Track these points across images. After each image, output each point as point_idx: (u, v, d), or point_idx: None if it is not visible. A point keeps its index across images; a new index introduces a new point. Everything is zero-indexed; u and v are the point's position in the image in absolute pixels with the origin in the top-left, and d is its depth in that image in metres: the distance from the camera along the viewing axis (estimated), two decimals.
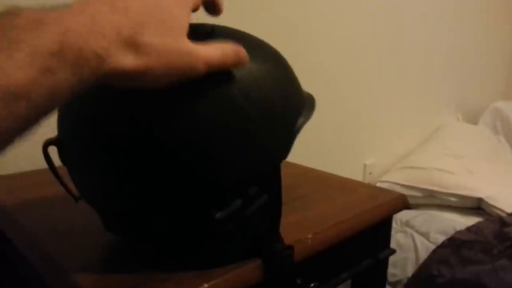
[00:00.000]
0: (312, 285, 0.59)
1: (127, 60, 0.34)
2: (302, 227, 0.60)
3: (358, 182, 0.81)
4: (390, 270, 1.34)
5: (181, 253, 0.49)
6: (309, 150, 1.41)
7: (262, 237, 0.50)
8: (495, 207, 1.47)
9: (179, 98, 0.42)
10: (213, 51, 0.41)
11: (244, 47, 0.46)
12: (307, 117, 0.50)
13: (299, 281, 0.59)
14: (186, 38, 0.38)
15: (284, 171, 0.84)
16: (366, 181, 1.69)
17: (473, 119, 2.24)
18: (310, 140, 1.41)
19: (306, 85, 1.35)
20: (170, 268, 0.48)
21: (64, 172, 0.49)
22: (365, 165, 1.68)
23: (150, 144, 0.42)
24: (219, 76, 0.43)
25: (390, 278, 1.34)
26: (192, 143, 0.42)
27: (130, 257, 0.51)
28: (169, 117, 0.42)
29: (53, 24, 0.30)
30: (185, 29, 0.38)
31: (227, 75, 0.44)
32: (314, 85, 1.41)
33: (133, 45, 0.34)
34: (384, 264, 0.78)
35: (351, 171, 1.64)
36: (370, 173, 1.70)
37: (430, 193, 1.57)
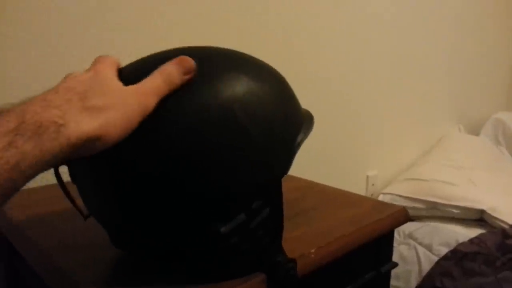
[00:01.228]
0: None
1: (85, 124, 0.38)
2: (306, 241, 0.61)
3: (360, 196, 0.82)
4: (394, 282, 1.34)
5: (187, 267, 0.50)
6: (311, 162, 1.42)
7: (265, 249, 0.51)
8: (497, 218, 1.47)
9: (182, 119, 0.44)
10: (154, 79, 0.43)
11: (244, 68, 0.48)
12: (306, 133, 0.52)
13: None
14: (124, 86, 0.42)
15: (288, 185, 0.86)
16: (369, 192, 1.69)
17: (474, 130, 2.24)
18: (313, 152, 1.42)
19: (308, 98, 1.37)
20: (177, 282, 0.49)
21: (73, 188, 0.50)
22: (367, 177, 1.69)
23: (152, 162, 0.43)
24: (221, 95, 0.44)
25: None
26: (197, 161, 0.43)
27: (136, 271, 0.52)
28: (173, 135, 0.43)
29: (13, 111, 0.36)
30: (117, 82, 0.43)
31: (229, 94, 0.45)
32: (316, 98, 1.44)
33: (85, 109, 0.39)
34: (387, 277, 0.79)
35: (354, 183, 1.64)
36: (373, 185, 1.71)
37: (433, 205, 1.57)
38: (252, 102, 0.46)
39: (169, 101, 0.44)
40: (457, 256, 1.29)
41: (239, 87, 0.46)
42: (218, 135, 0.44)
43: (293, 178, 0.89)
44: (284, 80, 0.54)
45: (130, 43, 0.96)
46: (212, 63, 0.48)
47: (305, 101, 1.35)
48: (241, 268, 0.50)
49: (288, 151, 0.50)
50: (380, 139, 1.71)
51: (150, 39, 0.99)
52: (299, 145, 0.51)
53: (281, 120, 0.49)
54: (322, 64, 1.41)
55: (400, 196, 1.60)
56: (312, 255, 0.58)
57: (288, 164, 0.50)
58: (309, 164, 1.41)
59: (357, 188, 1.65)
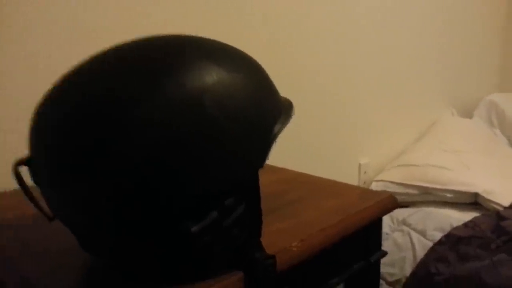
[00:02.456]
0: None
1: None
2: (288, 234, 0.59)
3: (347, 185, 0.79)
4: (388, 269, 1.33)
5: (160, 269, 0.47)
6: (302, 152, 1.40)
7: (242, 247, 0.48)
8: (491, 201, 1.46)
9: (146, 111, 0.41)
10: None
11: (216, 56, 0.45)
12: (284, 124, 0.49)
13: None
14: None
15: (273, 176, 0.84)
16: (362, 180, 1.68)
17: (467, 113, 2.23)
18: (303, 142, 1.40)
19: (298, 86, 1.34)
20: (149, 286, 0.47)
21: (35, 191, 0.48)
22: (360, 165, 1.67)
23: (116, 158, 0.41)
24: (189, 85, 0.42)
25: (388, 278, 1.33)
26: (162, 155, 0.41)
27: (108, 276, 0.50)
28: (137, 129, 0.41)
29: None
30: None
31: (198, 84, 0.43)
32: (306, 85, 1.41)
33: None
34: (377, 266, 0.77)
35: (346, 171, 1.62)
36: (365, 173, 1.69)
37: (426, 190, 1.55)
38: (223, 92, 0.44)
39: (130, 94, 0.41)
40: (452, 240, 1.27)
41: (208, 76, 0.44)
42: (185, 128, 0.42)
43: (279, 169, 0.86)
44: (260, 69, 0.51)
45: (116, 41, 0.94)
46: (181, 52, 0.45)
47: (295, 89, 1.34)
48: (217, 267, 0.48)
49: (263, 143, 0.47)
50: (371, 126, 1.69)
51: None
52: (275, 136, 0.48)
53: (255, 111, 0.46)
54: (311, 51, 1.38)
55: (392, 182, 1.58)
56: (294, 249, 0.56)
57: (264, 156, 0.48)
58: (299, 154, 1.39)
59: (349, 176, 1.63)
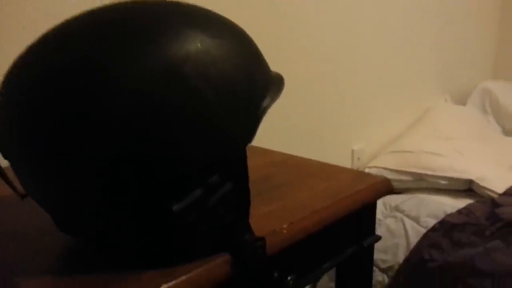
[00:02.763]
0: (289, 278, 0.55)
1: None
2: (278, 217, 0.56)
3: (339, 167, 0.77)
4: (381, 256, 1.31)
5: (140, 250, 0.45)
6: (293, 137, 1.37)
7: (229, 228, 0.46)
8: (486, 188, 1.44)
9: (123, 81, 0.38)
10: None
11: (199, 23, 0.42)
12: (274, 98, 0.46)
13: (276, 275, 0.55)
14: None
15: (262, 159, 0.81)
16: (355, 167, 1.65)
17: (461, 100, 2.21)
18: (294, 126, 1.37)
19: (291, 70, 1.31)
20: (129, 268, 0.44)
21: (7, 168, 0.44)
22: (353, 151, 1.64)
23: (89, 130, 0.38)
24: (169, 53, 0.39)
25: (381, 264, 1.31)
26: (139, 127, 0.38)
27: (85, 257, 0.47)
28: (112, 99, 0.37)
29: None
30: None
31: (179, 52, 0.39)
32: (299, 69, 1.38)
33: None
34: (370, 251, 0.75)
35: (339, 157, 1.60)
36: (359, 159, 1.67)
37: (420, 177, 1.53)
38: (206, 61, 0.41)
39: (105, 61, 0.38)
40: (445, 227, 1.25)
41: (191, 44, 0.40)
42: (165, 98, 0.39)
43: (267, 152, 0.83)
44: (248, 39, 0.48)
45: None
46: (161, 17, 0.42)
47: (288, 70, 1.30)
48: (202, 250, 0.46)
49: (251, 117, 0.44)
50: (365, 111, 1.67)
51: None
52: (265, 110, 0.45)
53: (242, 83, 0.43)
54: (306, 36, 1.35)
55: (386, 169, 1.56)
56: (284, 231, 0.54)
57: (252, 132, 0.45)
58: (290, 139, 1.36)
59: (342, 162, 1.61)
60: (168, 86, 0.38)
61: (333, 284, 1.15)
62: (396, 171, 1.55)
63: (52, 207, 0.45)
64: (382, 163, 1.60)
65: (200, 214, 0.42)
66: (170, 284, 0.41)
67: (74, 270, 0.46)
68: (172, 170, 0.40)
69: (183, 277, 0.43)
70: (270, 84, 0.47)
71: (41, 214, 0.47)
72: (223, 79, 0.41)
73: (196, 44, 0.40)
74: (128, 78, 0.38)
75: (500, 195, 1.38)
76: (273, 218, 0.56)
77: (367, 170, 1.61)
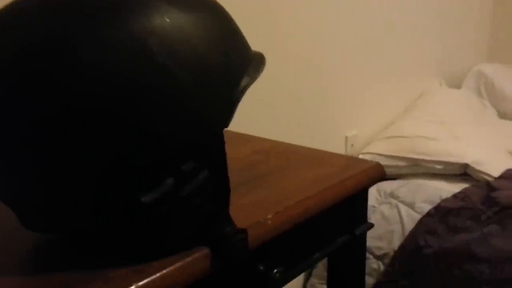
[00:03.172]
0: (275, 270, 0.52)
1: None
2: (263, 207, 0.53)
3: (330, 153, 0.73)
4: (376, 243, 1.28)
5: (111, 246, 0.41)
6: (284, 124, 1.34)
7: (207, 220, 0.42)
8: (481, 172, 1.42)
9: (83, 57, 0.34)
10: None
11: None
12: (253, 77, 0.43)
13: (262, 268, 0.52)
14: None
15: (249, 146, 0.78)
16: (348, 154, 1.62)
17: (456, 83, 2.17)
18: (285, 113, 1.34)
19: (281, 52, 1.27)
20: (100, 266, 0.40)
21: None
22: (346, 137, 1.61)
23: (52, 115, 0.34)
24: (131, 27, 0.35)
25: (376, 252, 1.28)
26: (100, 109, 0.34)
27: (52, 255, 0.44)
28: (70, 78, 0.34)
29: None
30: None
31: (142, 26, 0.36)
32: (290, 52, 1.34)
33: None
34: (362, 239, 0.72)
35: (332, 144, 1.57)
36: (352, 145, 1.63)
37: (415, 162, 1.51)
38: (174, 35, 0.37)
39: (62, 35, 0.34)
40: (441, 212, 1.23)
41: (156, 16, 0.37)
42: (128, 77, 0.35)
43: (254, 138, 0.80)
44: (224, 13, 0.44)
45: None
46: None
47: (279, 56, 1.27)
48: (178, 244, 0.42)
49: (228, 98, 0.41)
50: (358, 97, 1.63)
51: None
52: (243, 91, 0.42)
53: (217, 60, 0.40)
54: (297, 18, 1.32)
55: (380, 155, 1.53)
56: (269, 222, 0.50)
57: (229, 114, 0.41)
58: (281, 126, 1.32)
59: (336, 149, 1.57)
60: (132, 63, 0.35)
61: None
62: (391, 157, 1.52)
63: (17, 203, 0.41)
64: (376, 149, 1.58)
65: (174, 205, 0.39)
66: (142, 282, 0.38)
67: (41, 268, 0.42)
68: (140, 158, 0.36)
69: (157, 274, 0.39)
70: (249, 63, 0.43)
71: (5, 210, 0.43)
72: (194, 56, 0.38)
73: (163, 16, 0.37)
74: (89, 55, 0.34)
75: (496, 178, 1.36)
76: (257, 208, 0.53)
77: (361, 157, 1.58)
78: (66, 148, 0.36)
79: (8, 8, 0.38)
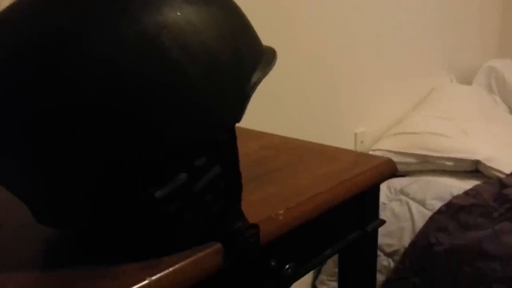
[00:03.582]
0: (287, 266, 0.52)
1: None
2: (274, 202, 0.53)
3: (341, 149, 0.73)
4: (386, 240, 1.28)
5: (122, 241, 0.41)
6: (294, 120, 1.33)
7: (219, 216, 0.42)
8: (493, 168, 1.40)
9: (92, 51, 0.34)
10: None
11: None
12: (265, 72, 0.42)
13: (273, 263, 0.52)
14: None
15: (259, 142, 0.77)
16: (358, 150, 1.61)
17: (466, 79, 2.15)
18: (295, 109, 1.33)
19: (292, 49, 1.27)
20: (111, 261, 0.40)
21: None
22: (356, 134, 1.60)
23: (63, 112, 0.34)
24: (143, 21, 0.35)
25: (386, 249, 1.28)
26: (113, 104, 0.34)
27: (65, 251, 0.44)
28: (80, 72, 0.34)
29: None
30: None
31: (154, 19, 0.35)
32: (300, 49, 1.33)
33: None
34: (374, 236, 0.71)
35: (341, 141, 1.56)
36: (362, 142, 1.63)
37: (425, 159, 1.49)
38: (187, 30, 0.37)
39: (72, 29, 0.34)
40: (452, 209, 1.22)
41: (169, 10, 0.36)
42: (142, 73, 0.35)
43: (265, 135, 0.80)
44: (236, 7, 0.44)
45: None
46: None
47: (289, 52, 1.26)
48: (190, 239, 0.42)
49: (239, 94, 0.41)
50: (368, 93, 1.63)
51: None
52: (254, 86, 0.42)
53: (229, 55, 0.40)
54: (308, 16, 1.31)
55: (390, 151, 1.52)
56: (281, 217, 0.50)
57: (241, 110, 0.41)
58: (291, 122, 1.32)
59: (345, 146, 1.55)
60: (144, 58, 0.35)
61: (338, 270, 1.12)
62: (401, 154, 1.51)
63: (30, 198, 0.41)
64: (386, 145, 1.57)
65: (186, 200, 0.39)
66: (155, 277, 0.38)
67: (54, 264, 0.42)
68: (153, 153, 0.36)
69: (169, 269, 0.39)
70: (260, 58, 0.43)
71: (20, 205, 0.44)
72: (206, 51, 0.37)
73: (175, 11, 0.36)
74: (99, 49, 0.34)
75: (507, 175, 1.34)
76: (269, 203, 0.52)
77: (370, 153, 1.57)
78: (77, 143, 0.35)
79: (18, 1, 0.38)
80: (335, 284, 1.31)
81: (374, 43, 1.61)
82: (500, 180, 1.30)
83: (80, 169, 0.36)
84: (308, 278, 1.43)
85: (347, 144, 1.59)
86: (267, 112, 1.22)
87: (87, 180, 0.37)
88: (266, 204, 0.52)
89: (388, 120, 1.74)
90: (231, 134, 0.41)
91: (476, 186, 1.29)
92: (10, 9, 0.38)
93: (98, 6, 0.35)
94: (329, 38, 1.41)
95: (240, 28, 0.42)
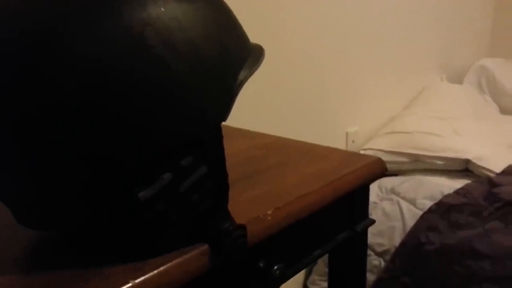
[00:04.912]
0: (275, 267, 0.51)
1: None
2: (262, 202, 0.52)
3: (330, 148, 0.72)
4: (377, 239, 1.28)
5: (109, 243, 0.40)
6: (285, 120, 1.33)
7: (206, 217, 0.41)
8: (483, 167, 1.41)
9: (74, 48, 0.33)
10: None
11: None
12: (252, 70, 0.42)
13: (261, 264, 0.51)
14: None
15: (248, 141, 0.77)
16: (349, 149, 1.61)
17: (457, 78, 2.16)
18: (286, 108, 1.33)
19: (281, 47, 1.26)
20: (96, 263, 0.40)
21: None
22: (347, 133, 1.60)
23: (46, 111, 0.33)
24: (127, 17, 0.34)
25: (377, 248, 1.28)
26: (96, 101, 0.33)
27: (48, 253, 0.43)
28: (63, 70, 0.33)
29: None
30: None
31: (138, 15, 0.35)
32: (290, 47, 1.33)
33: None
34: (364, 236, 0.71)
35: (332, 140, 1.56)
36: (353, 141, 1.62)
37: (416, 158, 1.50)
38: (171, 26, 0.36)
39: (57, 29, 0.33)
40: (443, 208, 1.22)
41: (151, 8, 0.36)
42: (125, 70, 0.34)
43: (255, 134, 0.79)
44: (223, 3, 0.43)
45: None
46: None
47: (279, 51, 1.26)
48: (176, 240, 0.41)
49: (226, 92, 0.40)
50: (359, 92, 1.62)
51: None
52: (241, 84, 0.41)
53: (215, 52, 0.39)
54: (298, 15, 1.30)
55: (381, 150, 1.52)
56: (269, 218, 0.49)
57: (227, 108, 0.40)
58: (282, 121, 1.32)
59: (336, 145, 1.54)
60: (127, 55, 0.34)
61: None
62: (392, 153, 1.51)
63: (14, 202, 0.40)
64: (377, 145, 1.57)
65: (171, 201, 0.38)
66: (140, 279, 0.37)
67: (37, 266, 0.42)
68: (137, 152, 0.36)
69: (154, 272, 0.39)
70: (247, 55, 0.42)
71: (2, 205, 0.43)
72: (191, 48, 0.37)
73: (159, 7, 0.36)
74: (82, 48, 0.33)
75: (498, 174, 1.34)
76: (257, 203, 0.52)
77: (362, 153, 1.57)
78: (59, 144, 0.35)
79: None
80: (326, 284, 1.31)
81: (365, 42, 1.60)
82: (490, 179, 1.30)
83: (65, 170, 0.36)
84: (299, 278, 1.43)
85: (339, 143, 1.59)
86: (257, 111, 1.22)
87: (73, 181, 0.36)
88: (254, 204, 0.52)
89: (379, 119, 1.74)
90: (217, 133, 0.40)
91: (467, 185, 1.29)
92: None
93: (81, 3, 0.35)
94: (320, 37, 1.41)
95: (226, 25, 0.41)
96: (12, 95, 0.34)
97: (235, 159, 0.62)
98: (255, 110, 1.21)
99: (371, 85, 1.67)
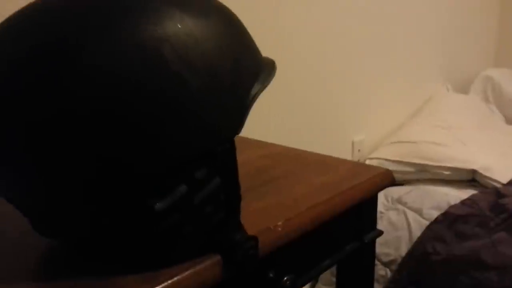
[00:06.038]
0: (285, 278, 0.51)
1: None
2: (273, 213, 0.53)
3: (339, 159, 0.73)
4: (383, 249, 1.28)
5: (123, 253, 0.41)
6: (291, 129, 1.33)
7: (218, 228, 0.42)
8: (490, 178, 1.40)
9: (92, 59, 0.34)
10: None
11: (177, 0, 0.38)
12: (264, 84, 0.43)
13: (272, 275, 0.52)
14: None
15: (256, 151, 0.77)
16: (355, 159, 1.62)
17: (463, 88, 2.16)
18: (292, 118, 1.34)
19: (288, 57, 1.27)
20: (109, 273, 0.40)
21: None
22: (353, 142, 1.61)
23: (63, 123, 0.34)
24: (145, 33, 0.35)
25: (383, 258, 1.28)
26: (113, 114, 0.34)
27: (64, 262, 0.44)
28: (81, 81, 0.34)
29: None
30: None
31: (156, 32, 0.36)
32: (297, 58, 1.34)
33: None
34: (371, 247, 0.71)
35: (339, 149, 1.56)
36: (359, 151, 1.63)
37: (422, 168, 1.50)
38: (187, 42, 0.37)
39: (77, 42, 0.34)
40: (449, 219, 1.22)
41: (169, 23, 0.37)
42: (143, 85, 0.35)
43: (263, 144, 0.80)
44: (235, 19, 0.44)
45: None
46: None
47: (286, 62, 1.27)
48: (189, 251, 0.42)
49: (239, 106, 0.41)
50: (365, 102, 1.63)
51: None
52: (254, 98, 0.42)
53: (229, 67, 0.40)
54: (304, 25, 1.31)
55: (387, 160, 1.52)
56: (279, 229, 0.50)
57: (240, 122, 0.41)
58: (288, 131, 1.32)
59: (343, 154, 1.57)
60: (145, 70, 0.35)
61: (335, 279, 1.12)
62: (398, 162, 1.51)
63: (29, 210, 0.41)
64: (383, 154, 1.57)
65: (186, 212, 0.39)
66: None
67: (52, 275, 0.42)
68: (152, 164, 0.36)
69: (168, 282, 0.39)
70: (259, 70, 0.43)
71: (15, 215, 0.43)
72: (206, 63, 0.38)
73: (176, 24, 0.37)
74: (101, 61, 0.34)
75: (504, 185, 1.34)
76: (267, 214, 0.52)
77: (367, 162, 1.57)
78: (77, 153, 0.35)
79: (22, 10, 0.38)
80: None
81: (371, 52, 1.61)
82: (496, 190, 1.30)
83: (80, 179, 0.36)
84: (305, 286, 1.43)
85: (344, 152, 1.59)
86: (264, 121, 1.23)
87: (88, 191, 0.37)
88: (264, 215, 0.52)
89: (385, 128, 1.75)
90: (230, 146, 0.41)
91: (473, 195, 1.29)
92: (13, 18, 0.38)
93: (100, 18, 0.36)
94: (326, 47, 1.42)
95: (239, 40, 0.42)
96: (28, 102, 0.35)
97: (243, 169, 0.62)
98: (261, 119, 1.21)
99: (377, 95, 1.68)
